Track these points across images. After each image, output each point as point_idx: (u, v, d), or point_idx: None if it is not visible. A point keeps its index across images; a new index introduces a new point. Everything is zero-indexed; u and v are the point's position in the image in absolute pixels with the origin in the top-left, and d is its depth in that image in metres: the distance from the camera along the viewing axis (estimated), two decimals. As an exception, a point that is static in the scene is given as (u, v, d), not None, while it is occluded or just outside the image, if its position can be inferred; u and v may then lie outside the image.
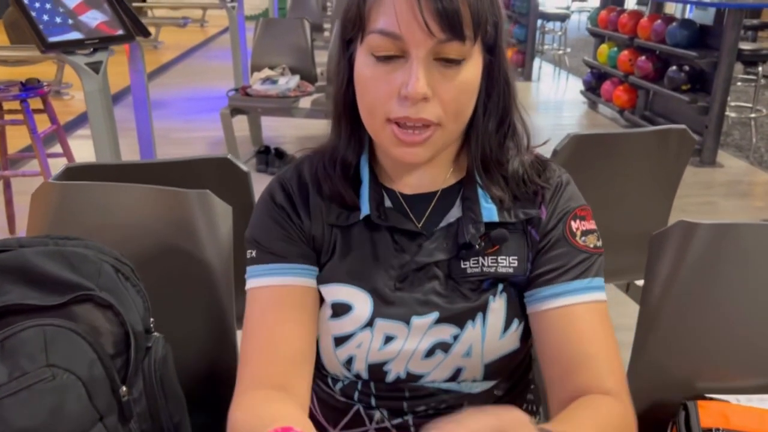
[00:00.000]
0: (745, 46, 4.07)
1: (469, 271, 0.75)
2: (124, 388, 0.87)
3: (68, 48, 2.19)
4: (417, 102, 0.66)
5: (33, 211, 1.09)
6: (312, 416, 0.86)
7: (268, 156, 3.84)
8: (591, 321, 0.74)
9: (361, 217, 0.76)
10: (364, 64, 0.69)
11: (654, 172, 1.52)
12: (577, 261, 0.75)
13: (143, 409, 0.91)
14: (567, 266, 0.75)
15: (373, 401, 0.79)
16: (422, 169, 0.78)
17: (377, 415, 0.79)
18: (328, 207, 0.78)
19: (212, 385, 1.07)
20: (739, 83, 5.27)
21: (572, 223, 0.77)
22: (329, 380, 0.82)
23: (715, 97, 3.81)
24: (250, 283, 0.79)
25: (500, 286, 0.76)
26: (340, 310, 0.77)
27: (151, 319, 0.95)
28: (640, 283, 1.81)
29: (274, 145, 3.97)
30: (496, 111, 0.75)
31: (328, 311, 0.77)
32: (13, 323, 0.83)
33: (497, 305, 0.76)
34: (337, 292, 0.77)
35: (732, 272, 0.94)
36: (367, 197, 0.77)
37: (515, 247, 0.76)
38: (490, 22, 0.69)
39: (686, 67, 4.04)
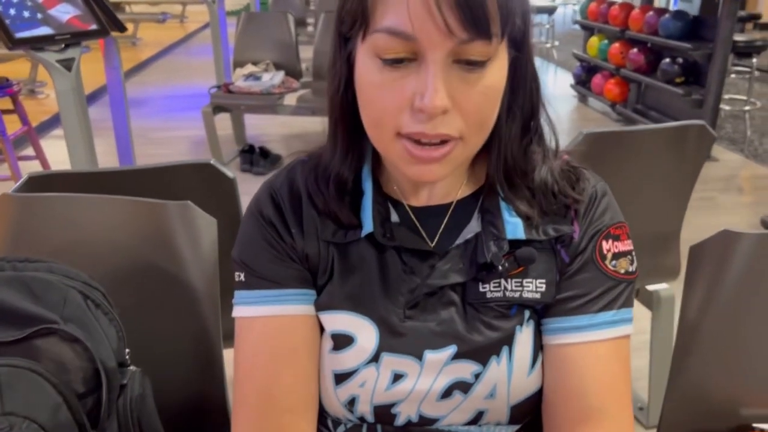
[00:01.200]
0: (739, 37, 4.01)
1: (489, 295, 0.65)
2: (96, 435, 0.75)
3: (37, 44, 2.05)
4: (435, 116, 0.55)
5: (-9, 228, 0.96)
6: None
7: (253, 155, 3.71)
8: (610, 364, 0.65)
9: (363, 234, 0.66)
10: (367, 68, 0.57)
11: (670, 170, 1.43)
12: (605, 289, 0.66)
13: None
14: (592, 295, 0.66)
15: None
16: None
17: None
18: (323, 222, 0.67)
19: (199, 421, 0.95)
20: (732, 75, 5.22)
21: (603, 243, 0.67)
22: (329, 423, 0.71)
23: (709, 90, 3.74)
24: (240, 311, 0.69)
25: (527, 314, 0.66)
26: (342, 342, 0.66)
27: (127, 351, 0.83)
28: (651, 287, 1.73)
29: (259, 144, 3.84)
30: (521, 113, 0.64)
31: (328, 343, 0.67)
32: (-38, 363, 0.71)
33: (525, 337, 0.65)
34: (337, 320, 0.67)
35: (779, 286, 0.85)
36: (370, 212, 0.66)
37: (543, 269, 0.66)
38: (519, 13, 0.57)
39: (680, 60, 3.97)
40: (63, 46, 2.12)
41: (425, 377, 0.65)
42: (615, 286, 0.66)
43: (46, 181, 1.03)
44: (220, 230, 0.94)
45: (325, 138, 0.70)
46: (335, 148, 0.66)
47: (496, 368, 0.64)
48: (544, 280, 0.66)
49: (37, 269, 0.80)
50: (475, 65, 0.55)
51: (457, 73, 0.56)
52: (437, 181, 0.63)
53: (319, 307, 0.68)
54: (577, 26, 5.92)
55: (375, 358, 0.65)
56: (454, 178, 0.68)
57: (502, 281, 0.65)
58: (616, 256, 0.67)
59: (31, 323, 0.75)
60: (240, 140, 4.14)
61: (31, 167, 1.58)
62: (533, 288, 0.66)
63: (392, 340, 0.65)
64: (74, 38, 2.14)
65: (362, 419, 0.68)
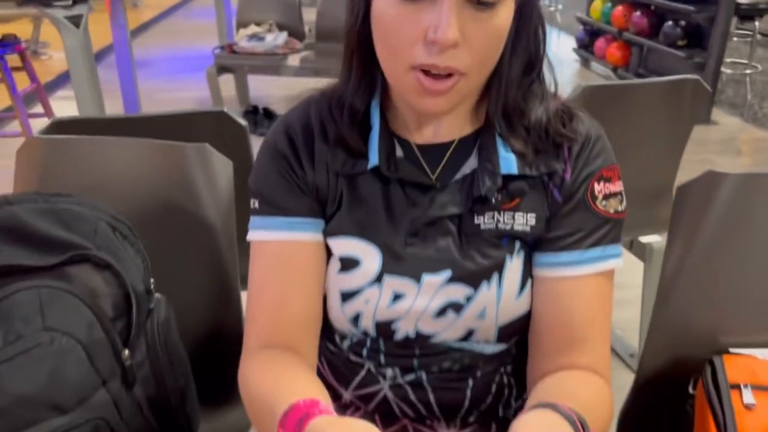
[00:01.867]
0: (743, 0, 4.00)
1: (483, 227, 0.71)
2: (127, 352, 0.82)
3: (46, 0, 2.08)
4: (446, 49, 0.60)
5: (19, 170, 1.02)
6: (323, 379, 0.82)
7: (257, 116, 3.75)
8: (598, 295, 0.72)
9: (369, 167, 0.71)
10: (386, 2, 0.62)
11: (666, 123, 1.47)
12: (594, 227, 0.71)
13: (147, 373, 0.87)
14: (582, 233, 0.71)
15: (382, 359, 0.75)
16: (439, 117, 0.72)
17: (389, 372, 0.75)
18: (334, 154, 0.72)
19: (217, 348, 1.02)
20: (734, 39, 5.20)
21: (596, 185, 0.71)
22: (336, 338, 0.78)
23: (711, 53, 3.75)
24: (253, 235, 0.75)
25: (517, 244, 0.72)
26: (348, 264, 0.72)
27: (152, 280, 0.90)
28: (644, 239, 1.79)
29: (262, 106, 3.87)
30: (524, 55, 0.68)
31: (336, 265, 0.73)
32: (4, 285, 0.78)
33: (515, 265, 0.71)
34: (345, 245, 0.73)
35: (759, 224, 0.91)
36: (377, 146, 0.71)
37: (534, 205, 0.71)
38: None
39: (682, 22, 3.97)
40: (71, 2, 2.15)
41: (422, 297, 0.71)
42: (604, 225, 0.71)
43: (69, 126, 1.09)
44: (234, 173, 0.99)
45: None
46: (348, 79, 0.71)
47: (486, 292, 0.71)
48: (534, 215, 0.71)
49: (67, 203, 0.86)
50: (486, 5, 0.60)
51: (469, 12, 0.60)
52: (441, 113, 0.68)
53: (329, 233, 0.74)
54: (581, -11, 5.88)
55: (378, 279, 0.71)
56: (456, 117, 0.73)
57: (496, 214, 0.70)
58: (607, 196, 0.72)
59: (65, 250, 0.81)
60: (243, 101, 4.17)
61: (40, 124, 1.63)
62: (524, 221, 0.71)
63: (394, 263, 0.71)
64: (82, -6, 2.17)
65: (365, 334, 0.74)
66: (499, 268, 0.71)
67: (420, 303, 0.71)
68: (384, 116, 0.73)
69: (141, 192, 0.99)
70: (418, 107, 0.67)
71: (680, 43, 3.94)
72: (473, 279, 0.70)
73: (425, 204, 0.71)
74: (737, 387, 0.82)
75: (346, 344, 0.77)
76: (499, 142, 0.71)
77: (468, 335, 0.73)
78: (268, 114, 3.79)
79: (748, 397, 0.81)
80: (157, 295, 0.91)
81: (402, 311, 0.72)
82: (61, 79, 4.75)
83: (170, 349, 0.91)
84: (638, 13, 4.33)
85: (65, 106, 3.57)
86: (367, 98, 0.72)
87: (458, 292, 0.71)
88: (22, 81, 2.58)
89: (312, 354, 0.76)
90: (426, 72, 0.62)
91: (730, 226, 0.91)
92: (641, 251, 1.75)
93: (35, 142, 1.00)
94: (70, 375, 0.76)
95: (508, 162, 0.70)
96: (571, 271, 0.71)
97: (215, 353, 1.02)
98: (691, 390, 0.90)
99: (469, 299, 0.71)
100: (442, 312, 0.71)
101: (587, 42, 5.26)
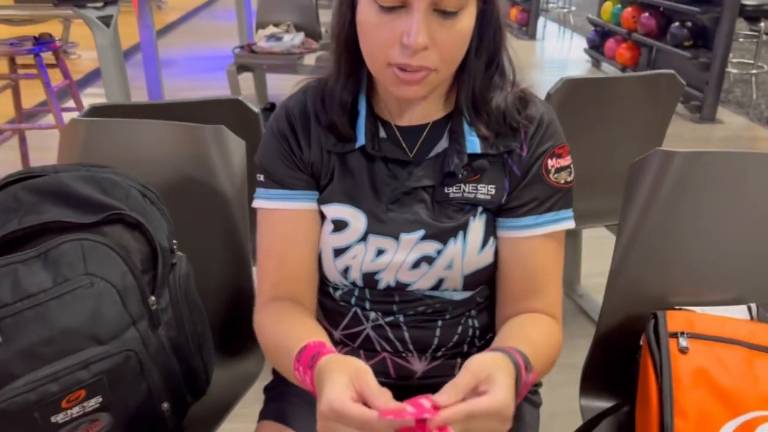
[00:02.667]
0: (748, 1, 4.07)
1: (451, 196, 0.84)
2: (153, 298, 0.97)
3: (80, 1, 2.25)
4: (417, 51, 0.73)
5: (62, 147, 1.18)
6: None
7: (261, 119, 3.90)
8: (551, 251, 0.86)
9: (357, 146, 0.85)
10: (367, 11, 0.74)
11: (643, 116, 1.59)
12: (548, 196, 0.84)
13: (170, 318, 1.01)
14: (538, 201, 0.84)
15: (367, 305, 0.89)
16: (416, 103, 0.85)
17: (372, 315, 0.89)
18: (327, 135, 0.86)
19: (230, 303, 1.17)
20: (741, 39, 5.25)
21: (549, 161, 0.84)
22: (330, 289, 0.92)
23: (716, 53, 3.83)
24: (259, 203, 0.89)
25: (479, 209, 0.85)
26: (339, 225, 0.86)
27: (174, 241, 1.05)
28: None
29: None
30: (486, 52, 0.81)
31: (329, 226, 0.87)
32: (52, 238, 0.93)
33: (477, 225, 0.85)
34: (336, 211, 0.86)
35: (705, 197, 1.03)
36: (363, 129, 0.85)
37: (494, 177, 0.84)
38: None
39: (689, 23, 4.05)
40: (102, 3, 2.33)
41: (400, 253, 0.85)
42: (556, 193, 0.85)
43: (105, 110, 1.24)
44: (247, 153, 1.14)
45: None
46: (338, 76, 0.85)
47: (453, 247, 0.84)
48: (494, 186, 0.84)
49: (105, 172, 1.02)
50: (450, 14, 0.73)
51: (436, 19, 0.73)
52: (416, 99, 0.82)
53: (322, 201, 0.87)
54: (594, -9, 5.96)
55: (363, 238, 0.85)
56: (431, 103, 0.86)
57: (462, 185, 0.84)
58: (558, 170, 0.85)
59: (102, 210, 0.96)
60: (262, 99, 4.33)
61: (70, 117, 1.80)
62: (485, 192, 0.84)
63: (377, 225, 0.85)
64: (112, -4, 2.34)
65: (354, 284, 0.88)
66: (464, 227, 0.84)
67: (398, 257, 0.85)
68: (370, 103, 0.86)
69: (165, 167, 1.14)
70: (397, 94, 0.80)
71: (686, 43, 4.03)
72: (442, 236, 0.84)
73: (404, 177, 0.85)
74: (675, 335, 0.94)
75: (338, 294, 0.91)
76: (465, 126, 0.84)
77: (439, 284, 0.86)
78: (285, 111, 3.94)
79: (684, 342, 0.93)
80: (178, 253, 1.06)
81: (384, 264, 0.86)
82: (89, 78, 4.97)
83: (189, 299, 1.06)
84: (647, 14, 4.42)
85: (93, 102, 3.76)
86: (354, 91, 0.85)
87: (430, 247, 0.84)
88: (55, 78, 2.76)
89: (312, 303, 0.91)
90: (401, 67, 0.75)
91: (678, 198, 1.03)
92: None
93: (77, 123, 1.16)
94: (107, 313, 0.91)
95: (473, 143, 0.83)
96: (529, 232, 0.85)
97: (229, 307, 1.17)
98: (641, 342, 1.03)
99: (439, 252, 0.84)
100: (417, 264, 0.85)
101: (598, 43, 5.35)
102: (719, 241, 1.05)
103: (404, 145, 0.86)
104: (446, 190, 0.84)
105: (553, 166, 0.85)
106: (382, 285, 0.87)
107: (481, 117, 0.84)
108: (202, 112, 1.31)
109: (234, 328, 1.17)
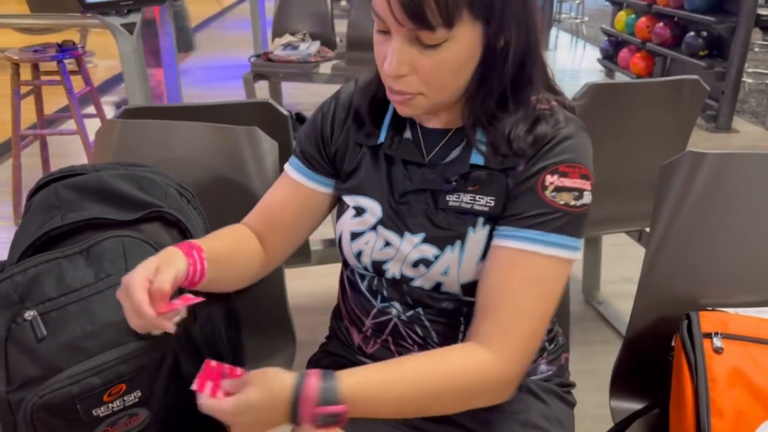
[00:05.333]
0: (764, 11, 4.07)
1: (451, 204, 0.84)
2: (190, 295, 0.98)
3: (105, 9, 2.29)
4: (395, 78, 0.75)
5: (97, 148, 1.20)
6: (345, 316, 1.00)
7: (291, 122, 3.93)
8: (518, 272, 0.77)
9: (378, 142, 0.88)
10: (376, 29, 0.77)
11: (667, 121, 1.60)
12: (538, 212, 0.77)
13: (205, 316, 1.03)
14: (525, 214, 0.78)
15: (385, 293, 0.90)
16: (433, 112, 0.85)
17: (394, 310, 0.90)
18: (358, 128, 0.91)
19: (261, 304, 1.18)
20: (756, 49, 5.25)
21: (548, 176, 0.78)
22: (357, 278, 0.94)
23: (732, 63, 3.84)
24: (287, 167, 0.97)
25: (481, 220, 0.82)
26: (359, 212, 0.90)
27: (209, 239, 1.06)
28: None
29: (295, 111, 4.06)
30: (488, 78, 0.77)
31: (351, 211, 0.91)
32: (92, 236, 0.95)
33: (478, 236, 0.82)
34: (357, 200, 0.91)
35: (736, 198, 1.04)
36: (387, 127, 0.88)
37: (494, 190, 0.82)
38: (471, 5, 0.70)
39: (704, 33, 4.06)
40: (126, 11, 2.36)
41: (404, 248, 0.86)
42: (549, 213, 0.77)
43: (137, 112, 1.26)
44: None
45: None
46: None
47: (450, 255, 0.83)
48: (493, 198, 0.81)
49: (143, 171, 1.03)
50: (429, 46, 0.72)
51: (417, 48, 0.73)
52: (410, 116, 0.85)
53: (347, 191, 0.92)
54: (606, 2, 5.99)
55: (374, 228, 0.88)
56: (453, 112, 0.85)
57: (462, 194, 0.83)
58: (559, 189, 0.77)
59: (141, 208, 0.98)
60: (277, 107, 4.36)
61: (93, 124, 1.81)
62: (484, 203, 0.82)
63: (387, 219, 0.88)
64: (135, 4, 2.38)
65: (366, 269, 0.91)
66: (462, 237, 0.83)
67: (402, 251, 0.87)
68: None
69: (199, 167, 1.16)
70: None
71: (702, 53, 4.03)
72: (440, 242, 0.84)
73: (417, 177, 0.86)
74: (709, 336, 0.95)
75: (364, 285, 0.93)
76: (476, 139, 0.83)
77: (438, 286, 0.86)
78: (301, 119, 3.97)
79: (718, 342, 0.93)
80: (213, 251, 1.07)
81: (390, 255, 0.88)
82: (106, 85, 5.03)
83: (223, 298, 1.08)
84: (661, 24, 4.43)
85: (110, 110, 3.80)
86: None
87: (428, 251, 0.85)
88: (76, 85, 2.80)
89: (271, 252, 0.97)
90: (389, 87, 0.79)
91: (709, 200, 1.04)
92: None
93: (112, 124, 1.18)
94: (146, 309, 0.92)
95: (478, 157, 0.82)
96: (501, 242, 0.79)
97: (260, 306, 1.18)
98: (673, 343, 1.03)
99: (436, 257, 0.84)
100: (416, 264, 0.86)
101: (611, 53, 5.36)
102: (751, 243, 1.05)
103: (423, 147, 0.87)
104: (447, 198, 0.84)
105: (551, 183, 0.77)
106: (389, 275, 0.89)
107: (484, 137, 0.82)
108: (233, 114, 1.33)
109: (265, 327, 1.18)
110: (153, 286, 0.73)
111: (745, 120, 4.26)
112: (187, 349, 0.97)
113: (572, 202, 0.77)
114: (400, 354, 0.92)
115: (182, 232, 1.00)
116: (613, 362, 1.13)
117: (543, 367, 0.97)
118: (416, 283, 0.87)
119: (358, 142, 0.91)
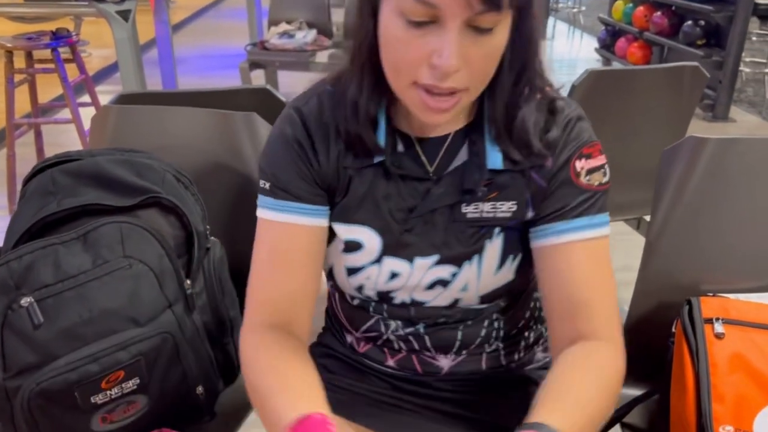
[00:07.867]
0: (762, 0, 4.06)
1: (469, 216, 0.78)
2: (188, 282, 0.97)
3: (100, -4, 2.27)
4: (450, 74, 0.65)
5: (93, 134, 1.18)
6: (335, 318, 0.95)
7: (286, 110, 3.91)
8: (591, 260, 0.76)
9: (375, 161, 0.77)
10: (393, 24, 0.66)
11: (667, 107, 1.59)
12: (581, 200, 0.76)
13: (204, 302, 1.02)
14: (569, 206, 0.76)
15: (385, 314, 0.86)
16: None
17: (392, 325, 0.86)
18: (346, 149, 0.78)
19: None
20: (753, 39, 5.24)
21: (577, 163, 0.76)
22: (348, 297, 0.88)
23: (729, 52, 3.83)
24: (263, 213, 0.80)
25: (496, 230, 0.79)
26: (352, 246, 0.80)
27: (207, 226, 1.05)
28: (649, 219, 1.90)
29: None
30: (517, 65, 0.73)
31: (341, 246, 0.81)
32: (88, 222, 0.93)
33: (493, 246, 0.79)
34: (350, 231, 0.80)
35: (737, 183, 1.03)
36: (384, 143, 0.77)
37: (515, 193, 0.77)
38: None
39: (702, 22, 4.05)
40: (121, -2, 2.34)
41: (414, 276, 0.80)
42: (591, 197, 0.76)
43: (133, 98, 1.25)
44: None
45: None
46: (361, 89, 0.74)
47: (468, 270, 0.79)
48: (515, 202, 0.77)
49: (140, 157, 1.02)
50: (485, 31, 0.64)
51: (470, 37, 0.64)
52: (439, 123, 0.75)
53: (335, 218, 0.80)
54: (604, -9, 5.97)
55: (377, 260, 0.80)
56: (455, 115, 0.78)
57: (480, 204, 0.77)
58: (590, 171, 0.77)
59: (139, 194, 0.96)
60: (273, 97, 4.34)
61: (87, 112, 1.80)
62: (506, 209, 0.77)
63: (392, 247, 0.79)
64: (130, -9, 2.36)
65: (369, 299, 0.86)
66: (480, 251, 0.79)
67: (413, 280, 0.81)
68: (388, 111, 0.78)
69: (197, 153, 1.15)
70: (421, 119, 0.72)
71: (699, 42, 4.02)
72: (457, 260, 0.79)
73: (422, 195, 0.78)
74: (710, 321, 0.94)
75: (355, 302, 0.88)
76: (487, 138, 0.77)
77: (454, 303, 0.84)
78: (297, 108, 3.95)
79: (719, 328, 0.93)
80: (212, 238, 1.06)
81: (398, 285, 0.81)
82: (100, 75, 5.00)
83: (223, 284, 1.07)
84: (659, 13, 4.42)
85: (104, 99, 3.77)
86: (379, 102, 0.76)
87: (444, 271, 0.80)
88: (70, 73, 2.78)
89: (305, 329, 0.82)
90: (429, 90, 0.67)
91: (711, 185, 1.03)
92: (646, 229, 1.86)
93: (108, 110, 1.16)
94: (144, 295, 0.91)
95: (495, 158, 0.76)
96: (562, 239, 0.76)
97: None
98: (673, 329, 1.03)
99: (454, 275, 0.80)
100: (431, 286, 0.82)
101: (609, 42, 5.34)
102: (752, 228, 1.05)
103: (424, 160, 0.79)
104: (464, 210, 0.77)
105: (582, 168, 0.77)
106: (397, 301, 0.84)
107: (503, 132, 0.76)
108: (230, 100, 1.31)
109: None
110: None
111: (742, 109, 4.26)
112: (187, 335, 0.97)
113: (603, 180, 0.78)
114: (392, 355, 0.90)
115: (179, 218, 0.99)
116: (613, 349, 1.12)
117: (539, 354, 0.95)
118: (430, 304, 0.83)
119: (348, 166, 0.78)
